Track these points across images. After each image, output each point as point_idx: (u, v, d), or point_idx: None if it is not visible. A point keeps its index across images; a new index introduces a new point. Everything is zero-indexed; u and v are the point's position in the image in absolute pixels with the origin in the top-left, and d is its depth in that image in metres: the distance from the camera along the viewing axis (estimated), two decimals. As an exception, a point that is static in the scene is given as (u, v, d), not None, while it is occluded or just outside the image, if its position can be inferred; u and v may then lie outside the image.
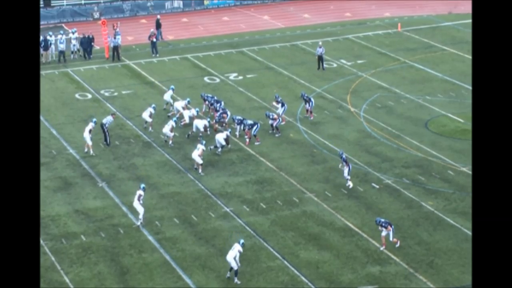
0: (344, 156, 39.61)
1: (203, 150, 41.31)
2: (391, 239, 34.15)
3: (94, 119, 44.51)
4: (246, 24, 70.87)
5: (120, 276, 32.78)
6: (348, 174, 39.28)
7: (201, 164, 41.18)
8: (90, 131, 43.65)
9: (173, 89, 50.47)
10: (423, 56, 60.01)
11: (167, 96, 49.56)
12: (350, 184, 39.22)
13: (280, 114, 47.30)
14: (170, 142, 44.52)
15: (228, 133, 43.73)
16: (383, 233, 34.31)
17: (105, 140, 45.16)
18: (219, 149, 43.16)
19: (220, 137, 42.99)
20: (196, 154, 41.09)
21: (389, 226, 34.06)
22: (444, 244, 34.54)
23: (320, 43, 59.41)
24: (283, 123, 46.90)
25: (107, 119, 45.25)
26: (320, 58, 57.44)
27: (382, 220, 34.47)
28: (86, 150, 43.86)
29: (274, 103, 48.50)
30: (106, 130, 45.07)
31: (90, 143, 43.77)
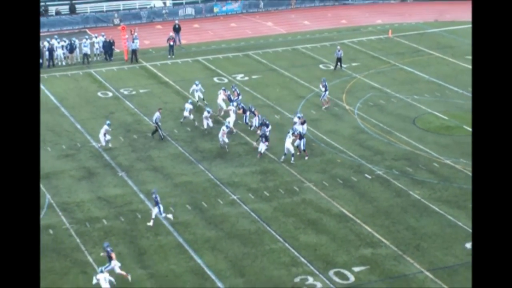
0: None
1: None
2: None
3: (108, 122, 44.43)
4: (252, 30, 70.85)
5: (137, 257, 32.99)
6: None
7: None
8: (104, 134, 43.63)
9: (224, 90, 49.63)
10: (412, 59, 60.02)
11: (220, 100, 48.85)
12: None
13: (323, 96, 49.19)
14: (227, 148, 43.43)
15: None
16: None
17: (159, 134, 45.26)
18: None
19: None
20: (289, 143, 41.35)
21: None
22: (430, 229, 34.70)
23: (339, 46, 59.80)
24: (327, 105, 48.87)
25: (156, 116, 45.33)
26: (339, 60, 57.56)
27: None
28: (99, 145, 43.96)
29: (321, 87, 49.42)
30: (158, 125, 45.23)
31: (104, 143, 43.71)
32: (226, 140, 42.55)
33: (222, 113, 48.07)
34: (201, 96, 50.41)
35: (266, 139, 41.36)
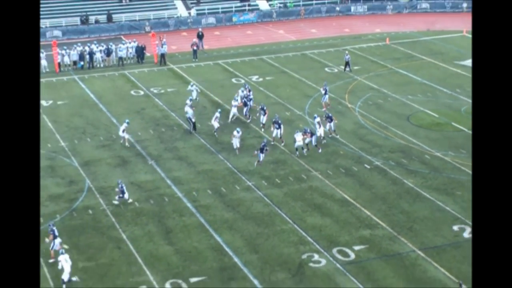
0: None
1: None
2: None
3: (127, 120, 44.19)
4: (266, 37, 70.69)
5: (165, 235, 33.02)
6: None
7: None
8: (124, 130, 43.27)
9: (244, 89, 49.38)
10: (406, 64, 59.75)
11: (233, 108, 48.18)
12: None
13: (323, 99, 48.67)
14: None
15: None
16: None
17: (193, 128, 45.08)
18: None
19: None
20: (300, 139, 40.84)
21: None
22: (421, 213, 34.57)
23: (347, 51, 59.72)
24: (325, 108, 47.88)
25: (190, 112, 45.21)
26: (347, 63, 57.34)
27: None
28: (122, 141, 43.56)
29: (322, 90, 48.98)
30: (190, 120, 45.06)
31: (126, 137, 43.37)
32: (237, 144, 41.50)
33: (234, 119, 47.43)
34: (196, 96, 49.79)
35: (263, 150, 39.78)
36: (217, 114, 44.50)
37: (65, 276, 28.76)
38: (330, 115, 43.80)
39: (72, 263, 29.09)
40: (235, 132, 41.04)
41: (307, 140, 41.28)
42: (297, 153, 40.88)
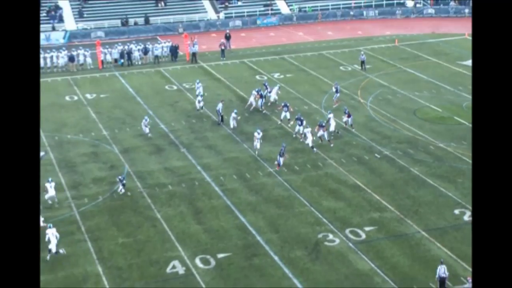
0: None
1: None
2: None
3: (146, 116, 43.96)
4: (286, 38, 70.57)
5: (195, 215, 33.16)
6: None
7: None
8: (146, 126, 42.95)
9: (279, 87, 49.40)
10: (413, 63, 59.40)
11: (252, 98, 48.17)
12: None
13: (335, 97, 48.02)
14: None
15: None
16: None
17: (221, 120, 45.04)
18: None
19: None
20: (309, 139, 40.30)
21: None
22: (426, 198, 34.44)
23: (363, 52, 59.56)
24: (336, 105, 47.32)
25: (219, 106, 45.14)
26: (363, 62, 57.11)
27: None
28: (148, 134, 43.14)
29: (333, 88, 48.39)
30: (219, 113, 44.96)
31: (147, 131, 42.98)
32: (257, 146, 39.70)
33: (251, 108, 47.59)
34: (201, 93, 49.12)
35: (282, 154, 37.99)
36: (234, 115, 43.99)
37: (53, 247, 29.12)
38: (348, 111, 43.48)
39: (109, 241, 29.29)
40: (256, 134, 39.69)
41: (319, 134, 41.21)
42: (315, 150, 40.43)
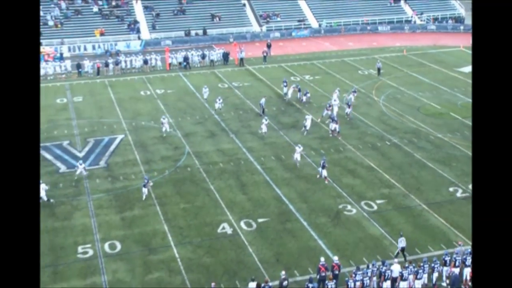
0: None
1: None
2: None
3: (164, 116, 42.27)
4: (316, 47, 69.89)
5: (240, 187, 33.09)
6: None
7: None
8: (167, 123, 40.93)
9: (339, 90, 47.59)
10: (418, 69, 58.40)
11: (289, 91, 47.69)
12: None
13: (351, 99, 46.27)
14: (298, 164, 35.81)
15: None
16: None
17: (263, 112, 44.60)
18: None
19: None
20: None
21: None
22: (426, 178, 33.93)
23: (379, 60, 58.67)
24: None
25: (262, 100, 44.92)
26: (379, 69, 56.01)
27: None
28: (164, 130, 41.08)
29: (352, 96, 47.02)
30: (262, 106, 44.65)
31: (165, 127, 40.66)
32: (298, 159, 35.67)
33: (286, 98, 47.95)
34: (205, 97, 48.15)
35: (324, 167, 33.91)
36: (264, 121, 41.31)
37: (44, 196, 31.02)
38: (335, 118, 40.90)
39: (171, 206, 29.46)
40: (297, 148, 35.82)
41: (332, 127, 40.60)
42: (331, 134, 40.28)
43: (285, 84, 49.57)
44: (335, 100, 44.55)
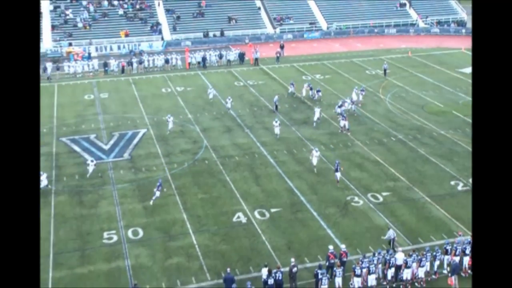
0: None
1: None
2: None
3: (169, 115, 40.82)
4: (326, 49, 69.42)
5: (255, 179, 32.97)
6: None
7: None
8: (171, 121, 39.76)
9: (357, 89, 47.31)
10: (422, 70, 57.81)
11: (354, 95, 46.87)
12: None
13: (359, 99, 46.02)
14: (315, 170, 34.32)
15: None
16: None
17: (276, 109, 44.37)
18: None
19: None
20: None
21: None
22: (429, 172, 33.61)
23: (385, 62, 58.11)
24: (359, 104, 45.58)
25: (275, 98, 44.74)
26: (385, 70, 55.26)
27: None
28: (170, 128, 40.29)
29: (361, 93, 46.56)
30: (275, 103, 44.40)
31: (171, 126, 39.66)
32: (314, 163, 33.91)
33: (301, 95, 47.78)
34: (211, 97, 47.18)
35: (337, 170, 32.32)
36: (275, 123, 39.85)
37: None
38: (345, 115, 40.71)
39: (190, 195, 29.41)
40: (314, 152, 34.26)
41: (341, 124, 40.30)
42: (340, 131, 39.95)
43: (292, 85, 49.28)
44: (352, 99, 44.24)
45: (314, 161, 33.84)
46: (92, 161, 33.69)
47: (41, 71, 55.01)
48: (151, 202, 29.91)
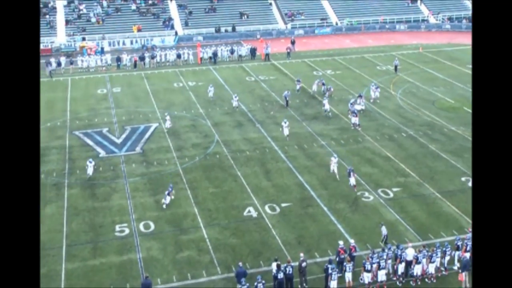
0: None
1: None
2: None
3: (167, 112, 41.03)
4: (337, 44, 69.10)
5: (265, 174, 32.89)
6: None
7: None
8: (169, 119, 39.25)
9: (373, 85, 46.62)
10: (433, 66, 57.37)
11: (314, 86, 47.03)
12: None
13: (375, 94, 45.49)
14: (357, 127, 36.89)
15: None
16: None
17: (287, 104, 44.28)
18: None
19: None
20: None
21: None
22: (440, 168, 33.32)
23: (396, 58, 57.67)
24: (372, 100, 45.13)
25: (285, 93, 44.62)
26: (396, 66, 54.64)
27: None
28: (168, 126, 40.00)
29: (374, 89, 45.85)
30: (287, 99, 44.25)
31: (168, 126, 39.08)
32: (335, 171, 32.30)
33: (311, 91, 47.59)
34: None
35: (350, 175, 31.22)
36: (284, 124, 38.77)
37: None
38: (356, 111, 40.39)
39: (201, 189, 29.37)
40: (332, 158, 32.86)
41: (353, 120, 40.00)
42: (352, 127, 39.64)
43: (298, 82, 48.92)
44: (362, 100, 43.60)
45: (335, 168, 32.14)
46: (90, 161, 32.86)
47: (48, 66, 55.00)
48: (164, 206, 29.05)
